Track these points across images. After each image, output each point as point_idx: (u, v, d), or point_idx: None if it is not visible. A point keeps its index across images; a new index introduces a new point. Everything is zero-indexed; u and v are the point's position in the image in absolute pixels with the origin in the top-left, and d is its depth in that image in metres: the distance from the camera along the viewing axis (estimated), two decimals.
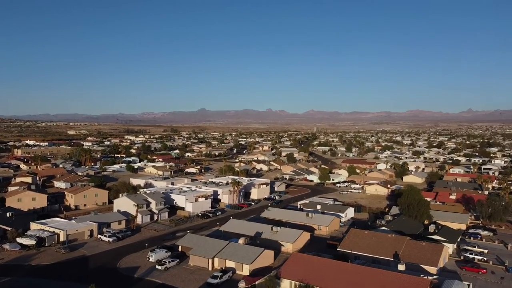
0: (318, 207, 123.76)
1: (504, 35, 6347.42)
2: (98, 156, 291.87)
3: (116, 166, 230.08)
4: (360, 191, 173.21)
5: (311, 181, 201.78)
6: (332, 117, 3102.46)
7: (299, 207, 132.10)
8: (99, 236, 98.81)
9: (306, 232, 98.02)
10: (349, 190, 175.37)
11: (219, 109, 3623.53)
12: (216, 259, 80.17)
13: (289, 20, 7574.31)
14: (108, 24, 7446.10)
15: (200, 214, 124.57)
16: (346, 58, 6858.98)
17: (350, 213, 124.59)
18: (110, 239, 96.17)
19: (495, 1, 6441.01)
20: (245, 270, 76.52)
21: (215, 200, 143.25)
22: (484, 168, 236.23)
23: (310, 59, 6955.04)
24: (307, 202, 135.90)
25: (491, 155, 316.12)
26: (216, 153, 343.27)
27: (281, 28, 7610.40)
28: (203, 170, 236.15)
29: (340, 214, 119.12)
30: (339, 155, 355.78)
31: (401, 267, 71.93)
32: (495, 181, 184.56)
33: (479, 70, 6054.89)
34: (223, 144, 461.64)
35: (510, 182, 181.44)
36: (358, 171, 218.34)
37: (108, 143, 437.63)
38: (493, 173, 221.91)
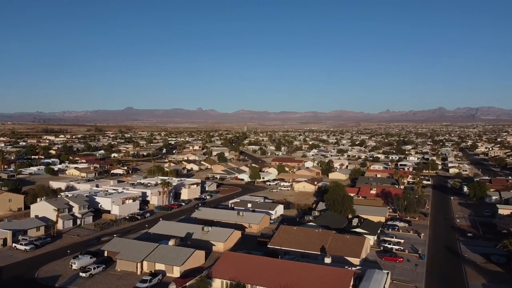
0: (249, 205, 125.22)
1: (415, 41, 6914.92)
2: (12, 158, 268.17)
3: (34, 169, 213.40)
4: (289, 189, 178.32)
5: (242, 180, 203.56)
6: (262, 117, 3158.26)
7: (230, 206, 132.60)
8: (14, 244, 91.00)
9: (237, 230, 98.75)
10: (279, 188, 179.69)
11: (147, 108, 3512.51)
12: (145, 263, 77.72)
13: (219, 21, 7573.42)
14: (24, 17, 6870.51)
15: (127, 217, 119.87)
16: (275, 60, 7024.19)
17: (279, 210, 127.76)
18: (27, 247, 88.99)
19: (417, 9, 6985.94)
20: (176, 272, 75.14)
21: (144, 201, 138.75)
22: (400, 164, 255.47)
23: (240, 60, 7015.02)
24: (238, 201, 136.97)
25: (406, 152, 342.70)
26: (145, 153, 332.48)
27: (211, 29, 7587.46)
28: (130, 171, 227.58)
29: (270, 211, 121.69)
30: (269, 154, 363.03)
31: (328, 260, 75.32)
32: (410, 176, 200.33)
33: (396, 73, 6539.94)
34: (151, 144, 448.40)
35: (422, 177, 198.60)
36: (287, 169, 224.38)
37: (24, 143, 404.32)
38: (408, 168, 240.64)
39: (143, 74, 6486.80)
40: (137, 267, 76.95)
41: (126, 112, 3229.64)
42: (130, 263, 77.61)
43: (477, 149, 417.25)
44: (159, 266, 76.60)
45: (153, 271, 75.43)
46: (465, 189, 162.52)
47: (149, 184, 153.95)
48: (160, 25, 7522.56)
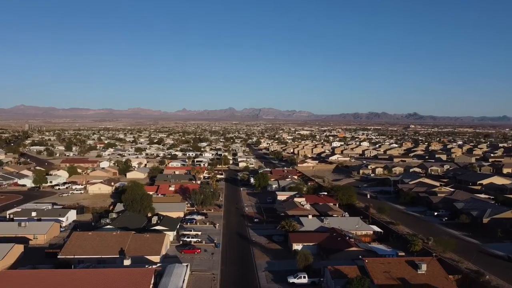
0: (34, 214, 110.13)
1: (203, 45, 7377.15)
2: None
3: None
4: (83, 192, 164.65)
5: (24, 185, 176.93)
6: (48, 114, 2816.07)
7: (8, 217, 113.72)
8: None
9: (19, 244, 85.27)
10: (70, 192, 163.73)
11: None
12: None
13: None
14: None
15: None
16: (64, 52, 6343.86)
17: (72, 216, 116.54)
18: None
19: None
20: None
21: None
22: (197, 161, 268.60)
23: (21, 46, 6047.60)
24: (19, 210, 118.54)
25: (202, 149, 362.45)
26: None
27: None
28: None
29: (61, 218, 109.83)
30: (58, 154, 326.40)
31: (127, 262, 72.98)
32: (206, 171, 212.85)
33: (191, 74, 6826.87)
34: None
35: (217, 172, 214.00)
36: (79, 170, 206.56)
37: None
38: (204, 164, 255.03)
39: None
40: None
41: None
42: None
43: (260, 145, 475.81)
44: None
45: None
46: (252, 180, 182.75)
47: None
48: None
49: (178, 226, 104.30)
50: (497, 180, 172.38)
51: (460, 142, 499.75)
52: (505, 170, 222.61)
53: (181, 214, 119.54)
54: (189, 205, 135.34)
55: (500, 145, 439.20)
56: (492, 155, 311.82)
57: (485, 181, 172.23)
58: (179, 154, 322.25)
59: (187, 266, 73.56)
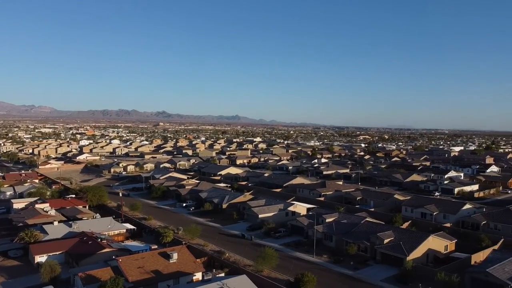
0: None
1: None
2: None
3: None
4: None
5: None
6: None
7: None
8: None
9: None
10: None
11: None
12: None
13: None
14: None
15: None
16: None
17: None
18: None
19: None
20: None
21: None
22: None
23: None
24: None
25: None
26: None
27: None
28: None
29: None
30: None
31: None
32: None
33: None
34: None
35: None
36: None
37: None
38: None
39: None
40: None
41: None
42: None
43: None
44: None
45: None
46: None
47: None
48: None
49: None
50: (232, 170, 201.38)
51: (203, 138, 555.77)
52: (238, 161, 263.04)
53: None
54: None
55: (234, 140, 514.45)
56: (228, 149, 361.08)
57: (223, 172, 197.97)
58: None
59: None
